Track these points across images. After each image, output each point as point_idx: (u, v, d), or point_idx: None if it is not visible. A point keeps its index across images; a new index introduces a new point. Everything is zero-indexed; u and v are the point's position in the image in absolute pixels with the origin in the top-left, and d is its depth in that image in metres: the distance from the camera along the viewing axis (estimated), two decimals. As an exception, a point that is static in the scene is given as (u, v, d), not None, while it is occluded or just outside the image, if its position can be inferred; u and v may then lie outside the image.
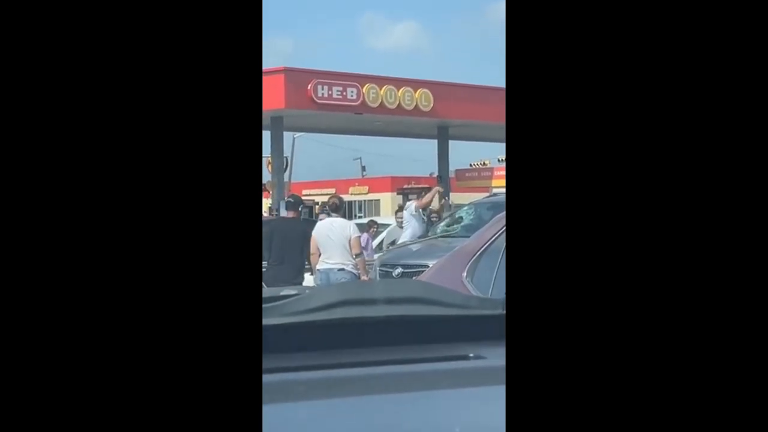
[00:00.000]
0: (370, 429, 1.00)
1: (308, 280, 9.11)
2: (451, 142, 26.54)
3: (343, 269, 8.46)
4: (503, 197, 10.33)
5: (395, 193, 37.11)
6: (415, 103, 23.27)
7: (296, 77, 21.83)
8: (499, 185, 21.42)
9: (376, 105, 22.69)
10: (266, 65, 19.95)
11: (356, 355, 1.26)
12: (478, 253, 3.68)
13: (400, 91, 23.06)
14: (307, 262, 8.94)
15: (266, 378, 0.94)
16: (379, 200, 42.89)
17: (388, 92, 22.82)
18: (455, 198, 23.18)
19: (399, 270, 9.60)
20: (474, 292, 3.33)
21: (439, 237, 11.01)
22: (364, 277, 8.64)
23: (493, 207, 9.97)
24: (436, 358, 1.26)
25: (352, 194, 43.63)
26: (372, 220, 15.89)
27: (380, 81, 23.07)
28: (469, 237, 4.54)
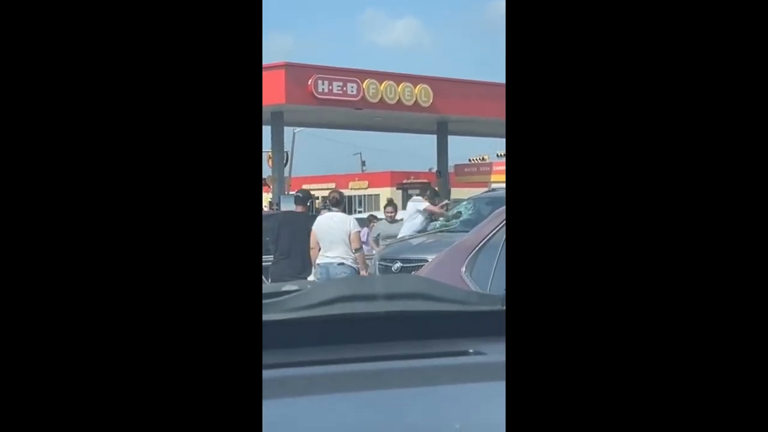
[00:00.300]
0: (370, 424, 1.00)
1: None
2: (450, 138, 26.55)
3: (342, 263, 8.45)
4: (502, 192, 10.33)
5: (395, 188, 37.14)
6: (414, 99, 23.26)
7: (297, 72, 21.82)
8: (497, 180, 21.38)
9: (376, 100, 22.69)
10: (267, 63, 19.96)
11: (356, 351, 1.26)
12: (477, 248, 3.68)
13: (400, 86, 23.05)
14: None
15: (266, 373, 0.94)
16: (378, 195, 42.90)
17: (388, 88, 22.81)
18: (454, 193, 23.19)
19: (398, 264, 9.59)
20: (473, 287, 3.34)
21: (438, 232, 10.99)
22: (363, 272, 8.64)
23: (492, 202, 9.96)
24: (436, 354, 1.26)
25: (351, 189, 43.71)
26: (372, 215, 15.88)
27: (380, 76, 23.07)
28: (468, 232, 4.54)
